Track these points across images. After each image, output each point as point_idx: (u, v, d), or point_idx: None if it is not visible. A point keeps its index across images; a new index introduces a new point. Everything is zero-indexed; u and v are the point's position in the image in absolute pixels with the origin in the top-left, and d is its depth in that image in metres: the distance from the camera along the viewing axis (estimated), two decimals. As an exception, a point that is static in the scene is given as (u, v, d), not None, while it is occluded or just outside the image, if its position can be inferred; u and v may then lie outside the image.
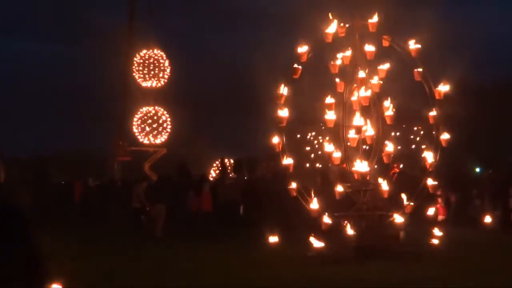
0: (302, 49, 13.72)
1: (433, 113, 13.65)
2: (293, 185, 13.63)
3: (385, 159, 13.74)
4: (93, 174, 30.84)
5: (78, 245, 16.39)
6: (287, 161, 13.70)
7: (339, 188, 13.45)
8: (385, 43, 13.76)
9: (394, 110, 13.68)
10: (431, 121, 13.83)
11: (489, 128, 33.45)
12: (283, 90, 13.75)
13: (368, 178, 13.64)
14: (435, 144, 13.77)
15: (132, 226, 20.39)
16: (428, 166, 13.66)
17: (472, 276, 11.11)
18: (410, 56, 13.71)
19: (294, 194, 13.63)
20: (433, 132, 13.81)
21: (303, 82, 14.17)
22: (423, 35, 14.23)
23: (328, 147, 13.71)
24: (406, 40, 13.82)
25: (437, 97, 13.61)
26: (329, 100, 13.60)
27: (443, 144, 13.66)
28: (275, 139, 13.80)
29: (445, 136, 13.67)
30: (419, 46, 13.69)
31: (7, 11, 74.69)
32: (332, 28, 13.59)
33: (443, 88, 13.64)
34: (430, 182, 13.57)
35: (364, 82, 13.53)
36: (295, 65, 13.64)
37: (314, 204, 13.35)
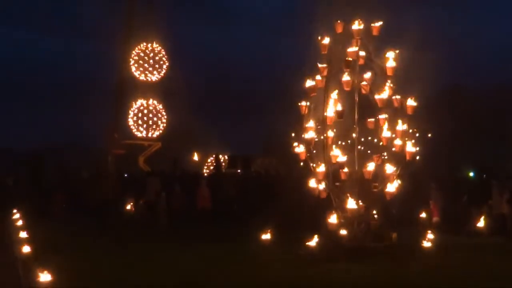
0: (325, 41, 13.72)
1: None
2: (322, 185, 13.60)
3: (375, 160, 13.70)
4: (87, 167, 30.71)
5: (69, 237, 16.41)
6: (321, 168, 13.56)
7: (322, 186, 13.58)
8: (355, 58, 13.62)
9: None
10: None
11: (488, 135, 33.49)
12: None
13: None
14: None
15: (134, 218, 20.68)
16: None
17: (461, 279, 11.21)
18: (384, 72, 13.68)
19: (324, 195, 13.65)
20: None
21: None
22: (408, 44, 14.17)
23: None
24: (384, 53, 13.71)
25: (408, 112, 13.60)
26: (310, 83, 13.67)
27: (408, 156, 13.52)
28: (300, 148, 13.68)
29: (410, 148, 13.54)
30: (394, 64, 13.60)
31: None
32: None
33: (411, 102, 13.59)
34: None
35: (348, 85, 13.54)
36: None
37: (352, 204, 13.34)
